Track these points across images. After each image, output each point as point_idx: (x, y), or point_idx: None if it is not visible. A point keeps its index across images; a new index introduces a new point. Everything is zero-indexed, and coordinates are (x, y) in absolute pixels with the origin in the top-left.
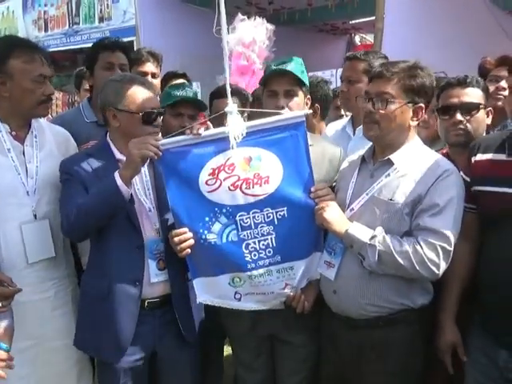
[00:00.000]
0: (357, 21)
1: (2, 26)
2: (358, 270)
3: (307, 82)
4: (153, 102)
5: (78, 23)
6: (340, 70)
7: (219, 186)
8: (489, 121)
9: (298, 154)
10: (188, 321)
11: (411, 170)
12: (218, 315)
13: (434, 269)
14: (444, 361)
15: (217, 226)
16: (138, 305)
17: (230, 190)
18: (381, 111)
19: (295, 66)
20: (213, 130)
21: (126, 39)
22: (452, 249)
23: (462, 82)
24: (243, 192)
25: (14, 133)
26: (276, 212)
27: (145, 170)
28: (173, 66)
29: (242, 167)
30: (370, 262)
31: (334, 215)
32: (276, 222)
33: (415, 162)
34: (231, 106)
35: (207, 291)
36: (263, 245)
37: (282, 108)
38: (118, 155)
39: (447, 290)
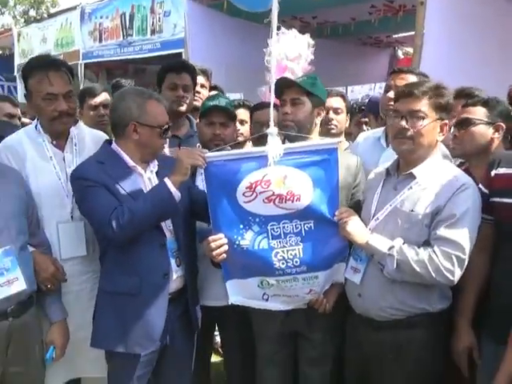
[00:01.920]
0: (400, 35)
1: (60, 35)
2: (381, 276)
3: (318, 94)
4: (166, 117)
5: (132, 35)
6: (382, 84)
7: (255, 198)
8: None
9: (328, 177)
10: (195, 312)
11: (432, 184)
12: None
13: (449, 276)
14: (459, 363)
15: (250, 234)
16: (167, 298)
17: (264, 202)
18: (415, 128)
19: (304, 79)
20: (254, 149)
21: (175, 51)
22: (466, 257)
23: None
24: (276, 205)
25: (54, 142)
26: (304, 224)
27: (154, 177)
28: (218, 77)
29: (277, 184)
30: (389, 270)
31: (355, 228)
32: (303, 234)
33: (436, 175)
34: (272, 128)
35: (238, 292)
36: (291, 254)
37: (287, 114)
38: (131, 163)
39: (464, 296)
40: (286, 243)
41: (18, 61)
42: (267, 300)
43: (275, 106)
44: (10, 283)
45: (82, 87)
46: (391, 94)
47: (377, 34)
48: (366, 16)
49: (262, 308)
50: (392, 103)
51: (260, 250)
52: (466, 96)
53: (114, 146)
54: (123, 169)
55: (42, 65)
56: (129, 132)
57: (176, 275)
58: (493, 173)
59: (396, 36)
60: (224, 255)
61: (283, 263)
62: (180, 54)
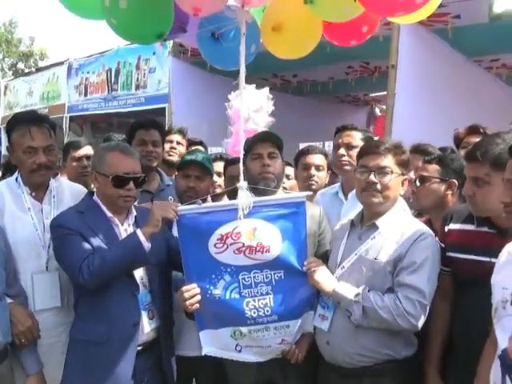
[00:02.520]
0: (377, 94)
1: (46, 89)
2: (347, 323)
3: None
4: (127, 166)
5: (116, 89)
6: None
7: (226, 249)
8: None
9: (296, 229)
10: (170, 365)
11: (393, 233)
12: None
13: (412, 321)
14: None
15: (222, 283)
16: (135, 348)
17: (234, 253)
18: (383, 182)
19: (274, 135)
20: (224, 202)
21: (159, 105)
22: (428, 303)
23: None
24: (246, 256)
25: (33, 194)
26: (274, 273)
27: (131, 229)
28: (201, 131)
29: (247, 236)
30: (356, 316)
31: (323, 277)
32: (274, 283)
33: (397, 226)
34: (242, 182)
35: (211, 343)
36: (262, 304)
37: (269, 166)
38: (109, 214)
39: (430, 344)
40: (257, 292)
41: (3, 113)
42: (240, 351)
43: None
44: None
45: (66, 140)
46: (342, 151)
47: (354, 93)
48: (344, 76)
49: (235, 359)
50: (343, 159)
51: (232, 300)
52: (421, 152)
53: (95, 197)
54: (101, 219)
55: (25, 120)
56: (93, 182)
57: (148, 328)
58: (446, 228)
59: (373, 95)
60: (197, 305)
61: (254, 312)
62: (164, 108)
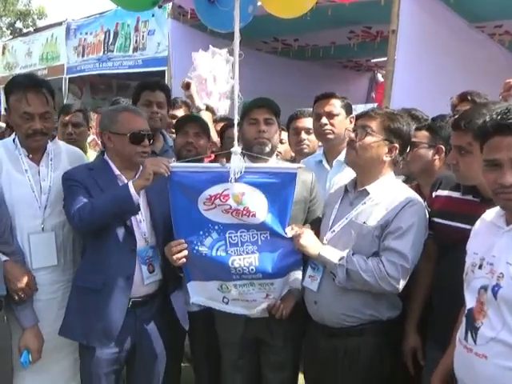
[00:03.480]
0: (379, 59)
1: (45, 50)
2: (334, 284)
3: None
4: (140, 124)
5: (113, 51)
6: (362, 106)
7: (214, 208)
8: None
9: (284, 199)
10: (182, 312)
11: (383, 200)
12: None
13: (394, 284)
14: (406, 363)
15: (209, 240)
16: (128, 299)
17: (222, 212)
18: (360, 141)
19: (271, 101)
20: (216, 164)
21: (158, 68)
22: (410, 267)
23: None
24: (233, 216)
25: (30, 156)
26: (260, 234)
27: None
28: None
29: (235, 199)
30: (340, 279)
31: (308, 241)
32: (259, 243)
33: (387, 192)
34: (236, 147)
35: (199, 293)
36: (247, 262)
37: (264, 132)
38: (117, 172)
39: (411, 302)
40: (243, 251)
41: (2, 73)
42: (227, 303)
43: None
44: None
45: (65, 101)
46: (324, 120)
47: (356, 58)
48: (346, 40)
49: (223, 310)
50: (326, 128)
51: (218, 257)
52: (412, 118)
53: (106, 156)
54: (108, 176)
55: (22, 84)
56: (106, 142)
57: (148, 281)
58: (434, 194)
59: (375, 60)
60: (184, 260)
61: (239, 270)
62: (163, 71)
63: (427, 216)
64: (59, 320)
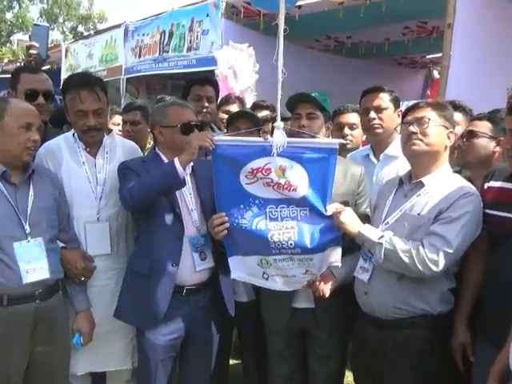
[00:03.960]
0: (435, 55)
1: (105, 52)
2: (386, 276)
3: (329, 109)
4: (189, 116)
5: (168, 51)
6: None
7: (255, 182)
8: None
9: (325, 174)
10: (230, 300)
11: (439, 191)
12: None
13: (433, 267)
14: (456, 359)
15: (249, 214)
16: (172, 284)
17: (264, 186)
18: (422, 130)
19: (317, 95)
20: (259, 138)
21: (211, 68)
22: (453, 254)
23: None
24: (275, 190)
25: (88, 149)
26: (300, 210)
27: (187, 179)
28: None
29: (277, 173)
30: (377, 257)
31: (349, 218)
32: (299, 218)
33: (443, 184)
34: (279, 122)
35: (240, 269)
36: (286, 237)
37: (303, 127)
38: None
39: (462, 297)
40: (283, 226)
41: (65, 75)
42: (267, 279)
43: None
44: (36, 270)
45: (122, 101)
46: (372, 114)
47: (411, 55)
48: (400, 37)
49: (263, 286)
50: (375, 123)
51: (257, 230)
52: (454, 108)
53: (157, 150)
54: (160, 166)
55: (75, 83)
56: (157, 136)
57: (199, 268)
58: (486, 185)
59: (430, 56)
60: (225, 232)
61: (279, 244)
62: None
63: (482, 210)
64: (112, 305)
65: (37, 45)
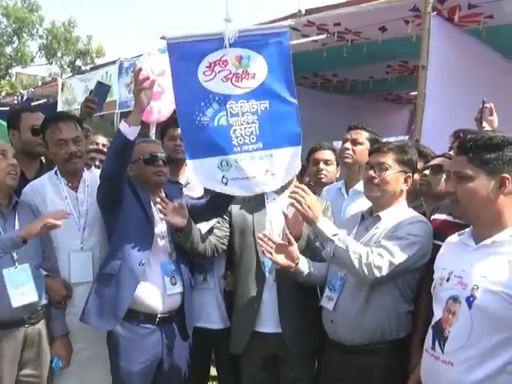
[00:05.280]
0: None
1: None
2: (350, 305)
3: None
4: (153, 148)
5: None
6: (393, 139)
7: (214, 77)
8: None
9: (281, 57)
10: (189, 328)
11: (393, 221)
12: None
13: (376, 272)
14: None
15: (210, 111)
16: (136, 283)
17: (222, 81)
18: (381, 176)
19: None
20: (210, 31)
21: None
22: (397, 266)
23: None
24: (233, 84)
25: (69, 184)
26: (260, 104)
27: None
28: None
29: (234, 64)
30: (327, 253)
31: (315, 205)
32: (259, 113)
33: (398, 215)
34: (228, 16)
35: (200, 172)
36: (248, 131)
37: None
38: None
39: (416, 321)
40: (244, 121)
41: (61, 108)
42: (226, 184)
43: None
44: (25, 294)
45: None
46: (347, 145)
47: (396, 91)
48: (384, 75)
49: (222, 192)
50: (346, 152)
51: (219, 127)
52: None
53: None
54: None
55: (53, 119)
56: (129, 173)
57: (170, 292)
58: (432, 217)
59: (414, 93)
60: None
61: (240, 140)
62: None
63: (431, 239)
64: (93, 331)
65: (96, 100)
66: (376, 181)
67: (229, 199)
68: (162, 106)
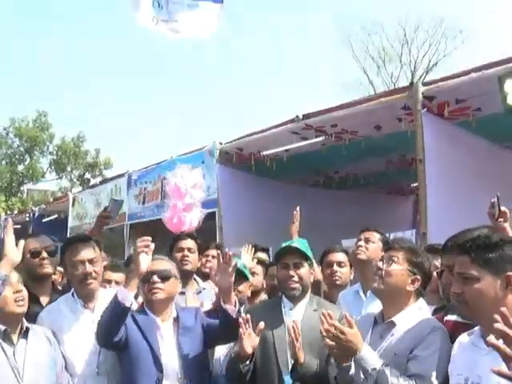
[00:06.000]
0: None
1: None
2: None
3: (311, 257)
4: (152, 266)
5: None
6: (408, 232)
7: None
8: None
9: None
10: None
11: (409, 329)
12: None
13: None
14: None
15: None
16: None
17: None
18: (386, 268)
19: (301, 243)
20: None
21: (209, 210)
22: None
23: None
24: None
25: (86, 305)
26: None
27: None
28: (248, 232)
29: None
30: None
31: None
32: None
33: (413, 321)
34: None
35: None
36: None
37: (292, 277)
38: (152, 316)
39: None
40: None
41: (71, 223)
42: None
43: None
44: None
45: (126, 247)
46: (361, 243)
47: (397, 184)
48: (384, 168)
49: None
50: (360, 249)
51: None
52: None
53: (143, 306)
54: (148, 319)
55: (72, 241)
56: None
57: None
58: (445, 318)
59: (415, 184)
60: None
61: None
62: (214, 212)
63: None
64: None
65: (111, 215)
66: (381, 272)
67: (236, 326)
68: (193, 217)
